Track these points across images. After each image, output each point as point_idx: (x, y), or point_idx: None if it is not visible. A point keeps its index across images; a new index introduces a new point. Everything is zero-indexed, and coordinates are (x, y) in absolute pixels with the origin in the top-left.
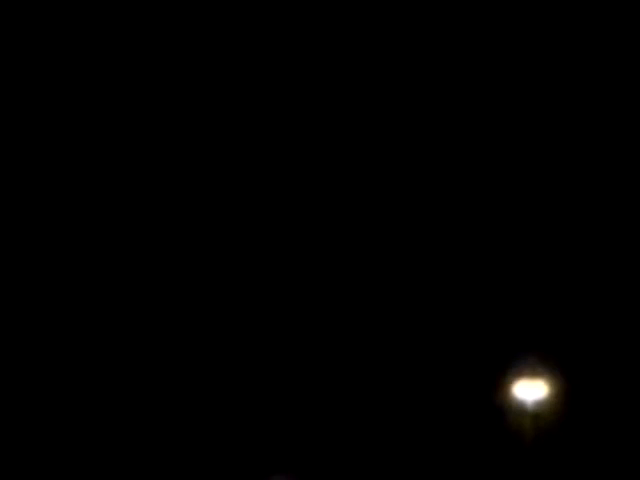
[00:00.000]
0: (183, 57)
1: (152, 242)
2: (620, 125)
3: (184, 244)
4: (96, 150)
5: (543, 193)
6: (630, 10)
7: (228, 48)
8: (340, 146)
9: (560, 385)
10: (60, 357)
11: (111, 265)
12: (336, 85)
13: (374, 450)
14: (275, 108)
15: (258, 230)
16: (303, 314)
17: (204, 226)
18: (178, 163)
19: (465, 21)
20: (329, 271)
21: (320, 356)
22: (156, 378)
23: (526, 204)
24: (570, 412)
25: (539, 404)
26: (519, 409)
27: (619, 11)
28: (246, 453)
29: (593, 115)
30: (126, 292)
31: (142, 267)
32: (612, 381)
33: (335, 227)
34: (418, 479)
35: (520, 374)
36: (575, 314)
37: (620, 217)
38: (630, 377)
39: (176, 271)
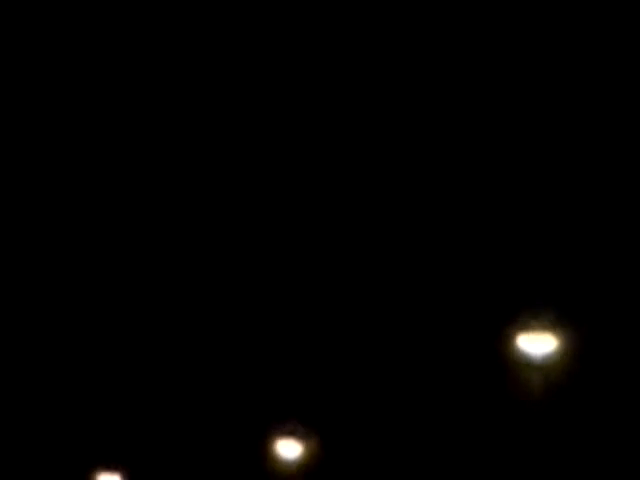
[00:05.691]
0: (183, 57)
1: (152, 242)
2: (620, 124)
3: (184, 244)
4: (96, 150)
5: (544, 156)
6: (630, 10)
7: (228, 48)
8: (340, 146)
9: (569, 338)
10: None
11: (110, 264)
12: (336, 85)
13: (378, 405)
14: (275, 108)
15: (257, 229)
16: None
17: (204, 226)
18: (178, 164)
19: (465, 21)
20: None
21: (324, 316)
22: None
23: (529, 166)
24: (579, 366)
25: (547, 358)
26: (526, 363)
27: (619, 11)
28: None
29: (593, 115)
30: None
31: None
32: (622, 334)
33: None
34: (423, 434)
35: (527, 327)
36: (583, 265)
37: (620, 171)
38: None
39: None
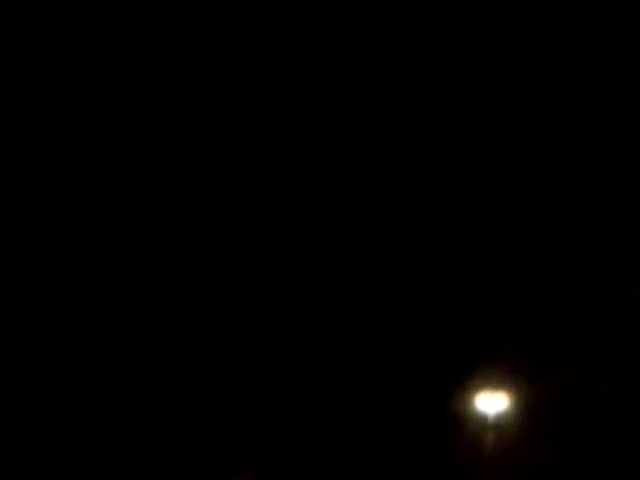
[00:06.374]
0: (183, 57)
1: (152, 242)
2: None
3: (183, 244)
4: (96, 150)
5: (495, 198)
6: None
7: (228, 48)
8: (340, 146)
9: (522, 397)
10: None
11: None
12: (336, 85)
13: (328, 461)
14: (275, 108)
15: (257, 230)
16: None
17: (203, 226)
18: (178, 163)
19: (465, 21)
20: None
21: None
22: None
23: (481, 211)
24: (532, 425)
25: (500, 416)
26: (480, 421)
27: (619, 11)
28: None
29: (593, 115)
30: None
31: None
32: (575, 393)
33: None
34: None
35: (481, 386)
36: (538, 326)
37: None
38: (592, 388)
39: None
